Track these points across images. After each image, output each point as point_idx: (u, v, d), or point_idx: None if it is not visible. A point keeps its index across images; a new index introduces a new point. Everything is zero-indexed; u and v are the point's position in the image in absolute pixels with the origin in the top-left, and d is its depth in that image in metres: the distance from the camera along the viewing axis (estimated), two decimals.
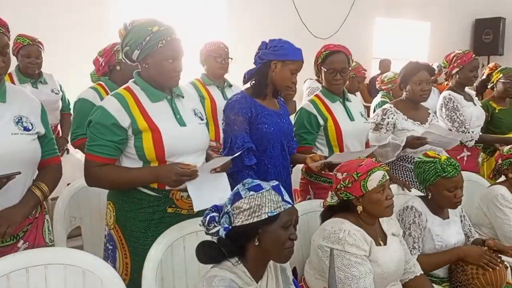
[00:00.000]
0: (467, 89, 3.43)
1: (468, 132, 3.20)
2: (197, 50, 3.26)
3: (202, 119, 1.93)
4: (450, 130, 3.16)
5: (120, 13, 5.22)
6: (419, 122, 2.81)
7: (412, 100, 2.83)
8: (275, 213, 1.40)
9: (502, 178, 2.71)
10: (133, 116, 1.75)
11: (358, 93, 5.31)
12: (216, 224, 1.42)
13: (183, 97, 1.91)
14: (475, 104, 3.34)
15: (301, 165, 2.60)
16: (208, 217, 1.43)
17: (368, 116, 3.26)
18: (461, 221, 2.36)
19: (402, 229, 2.10)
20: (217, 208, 1.48)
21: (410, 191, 2.54)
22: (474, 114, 3.28)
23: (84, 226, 2.39)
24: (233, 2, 6.18)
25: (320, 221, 1.97)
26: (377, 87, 4.85)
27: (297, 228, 1.50)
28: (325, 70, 2.50)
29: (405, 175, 2.81)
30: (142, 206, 1.83)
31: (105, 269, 1.62)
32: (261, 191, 1.42)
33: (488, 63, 7.77)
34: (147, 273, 1.69)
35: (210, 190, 1.77)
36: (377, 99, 4.62)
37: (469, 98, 3.33)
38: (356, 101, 2.72)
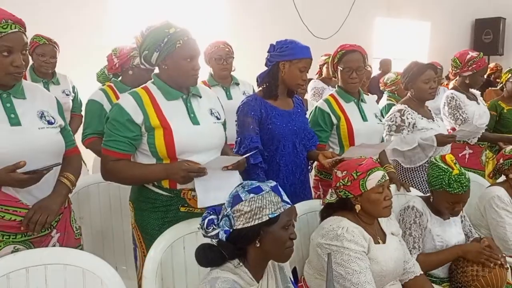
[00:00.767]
0: (471, 89, 3.45)
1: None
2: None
3: (218, 119, 1.96)
4: (455, 130, 3.20)
5: (119, 13, 5.22)
6: (431, 119, 2.85)
7: (420, 98, 2.84)
8: (275, 215, 1.40)
9: (503, 178, 2.71)
10: (147, 112, 1.80)
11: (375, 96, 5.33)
12: (215, 227, 1.42)
13: (200, 97, 1.94)
14: (478, 103, 3.37)
15: (316, 163, 2.63)
16: (206, 220, 1.43)
17: None
18: (462, 221, 2.36)
19: (402, 229, 2.11)
20: (215, 211, 1.48)
21: (409, 191, 2.54)
22: (477, 113, 3.30)
23: (84, 226, 2.38)
24: (233, 3, 6.18)
25: (319, 219, 1.97)
26: (380, 88, 4.85)
27: (297, 228, 1.50)
28: (341, 69, 2.54)
29: (408, 176, 2.83)
30: (155, 205, 1.87)
31: (105, 269, 1.63)
32: (261, 193, 1.42)
33: (488, 63, 7.79)
34: (147, 273, 1.70)
35: (218, 188, 1.78)
36: (384, 100, 4.62)
37: (472, 97, 3.36)
38: (371, 102, 2.74)
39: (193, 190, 1.83)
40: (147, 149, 1.83)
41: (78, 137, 2.70)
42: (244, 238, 1.41)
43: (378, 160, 2.64)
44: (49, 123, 1.71)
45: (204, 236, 1.44)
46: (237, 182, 1.82)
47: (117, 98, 2.60)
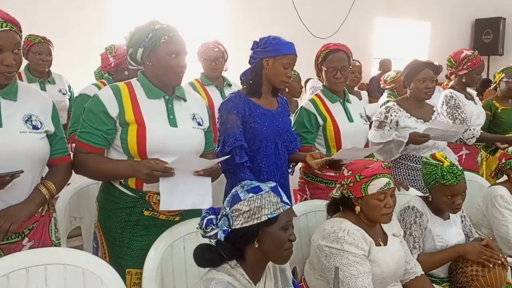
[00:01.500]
0: (468, 89, 3.44)
1: (469, 130, 3.21)
2: (196, 51, 3.27)
3: (200, 125, 1.91)
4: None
5: (119, 13, 5.22)
6: (422, 120, 2.81)
7: (416, 97, 2.83)
8: (275, 215, 1.40)
9: (504, 177, 2.71)
10: (123, 106, 1.77)
11: (365, 92, 5.33)
12: (214, 227, 1.41)
13: (185, 100, 1.90)
14: (475, 103, 3.36)
15: (301, 165, 2.60)
16: (205, 220, 1.42)
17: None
18: (462, 221, 2.35)
19: (402, 229, 2.10)
20: (214, 211, 1.47)
21: (407, 190, 2.53)
22: (474, 113, 3.29)
23: (84, 226, 2.38)
24: (233, 3, 6.18)
25: (326, 212, 1.97)
26: (381, 86, 4.87)
27: (297, 228, 1.50)
28: (326, 68, 2.51)
29: (407, 174, 2.81)
30: (119, 206, 1.83)
31: (105, 269, 1.62)
32: (260, 193, 1.41)
33: (488, 63, 7.78)
34: (147, 273, 1.69)
35: (185, 192, 1.73)
36: (383, 98, 4.63)
37: (469, 97, 3.35)
38: (356, 103, 2.71)
39: (159, 194, 1.76)
40: (119, 144, 1.79)
41: None
42: (242, 238, 1.41)
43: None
44: (34, 127, 1.64)
45: (203, 236, 1.43)
46: (209, 189, 1.78)
47: None
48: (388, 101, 4.28)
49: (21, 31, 1.60)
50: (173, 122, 1.82)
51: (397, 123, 2.77)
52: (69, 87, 3.72)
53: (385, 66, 6.90)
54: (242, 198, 1.41)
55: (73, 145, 2.10)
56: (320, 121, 2.50)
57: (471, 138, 3.26)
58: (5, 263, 1.51)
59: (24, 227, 1.65)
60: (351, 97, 2.68)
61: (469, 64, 3.24)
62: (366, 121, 2.68)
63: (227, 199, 1.46)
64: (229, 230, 1.40)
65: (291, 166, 2.46)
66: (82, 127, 1.79)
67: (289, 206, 1.45)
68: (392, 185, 1.85)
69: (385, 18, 8.19)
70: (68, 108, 3.64)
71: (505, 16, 7.78)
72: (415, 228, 2.15)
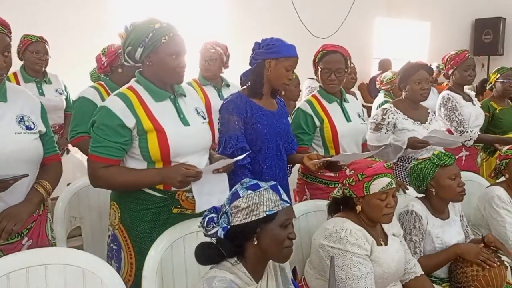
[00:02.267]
0: (466, 90, 3.44)
1: (467, 132, 3.20)
2: (196, 50, 3.27)
3: (204, 118, 1.94)
4: (450, 131, 3.17)
5: (119, 13, 5.22)
6: (419, 122, 2.81)
7: (412, 99, 2.83)
8: (273, 212, 1.40)
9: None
10: (138, 116, 1.75)
11: (358, 93, 5.33)
12: (215, 225, 1.42)
13: (185, 96, 1.91)
14: (474, 104, 3.35)
15: (299, 166, 2.60)
16: (207, 219, 1.44)
17: (369, 116, 3.26)
18: (461, 220, 2.36)
19: (402, 231, 2.10)
20: (215, 210, 1.48)
21: (407, 189, 2.53)
22: (473, 114, 3.28)
23: (84, 226, 2.39)
24: (233, 3, 6.18)
25: (326, 212, 1.97)
26: (377, 87, 4.86)
27: (297, 228, 1.50)
28: (321, 69, 2.51)
29: (405, 175, 2.81)
30: (147, 207, 1.82)
31: (105, 269, 1.62)
32: (259, 190, 1.42)
33: (488, 63, 7.79)
34: (147, 273, 1.69)
35: (211, 191, 1.77)
36: (379, 99, 4.63)
37: (468, 98, 3.34)
38: (353, 102, 2.71)
39: (188, 191, 1.80)
40: (138, 153, 1.77)
41: None
42: (241, 235, 1.42)
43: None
44: (28, 128, 1.65)
45: (205, 235, 1.44)
46: (227, 186, 1.82)
47: None
48: (384, 102, 4.29)
49: (10, 33, 1.60)
50: (185, 121, 1.83)
51: (395, 125, 2.77)
52: (65, 87, 3.71)
53: (385, 66, 6.90)
54: (241, 195, 1.42)
55: (70, 147, 2.09)
56: (317, 122, 2.50)
57: (469, 140, 3.24)
58: (5, 263, 1.51)
59: (23, 227, 1.66)
60: (349, 96, 2.68)
61: (452, 62, 3.27)
62: (364, 121, 2.68)
63: (227, 197, 1.47)
64: (229, 227, 1.41)
65: (288, 168, 2.46)
66: (97, 141, 1.74)
67: (288, 204, 1.46)
68: (394, 185, 1.85)
69: (385, 18, 8.18)
70: (64, 108, 3.63)
71: (505, 16, 7.78)
72: (415, 233, 2.15)
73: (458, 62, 3.25)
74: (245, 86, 2.30)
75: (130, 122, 1.73)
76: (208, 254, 1.44)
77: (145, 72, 1.83)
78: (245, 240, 1.43)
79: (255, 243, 1.42)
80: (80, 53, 4.24)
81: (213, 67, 3.22)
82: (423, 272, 2.03)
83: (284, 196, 1.46)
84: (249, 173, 2.17)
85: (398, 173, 2.83)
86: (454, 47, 3.56)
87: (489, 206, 2.55)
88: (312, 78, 4.73)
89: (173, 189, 1.81)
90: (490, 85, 3.71)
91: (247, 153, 2.00)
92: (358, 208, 1.86)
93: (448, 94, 3.28)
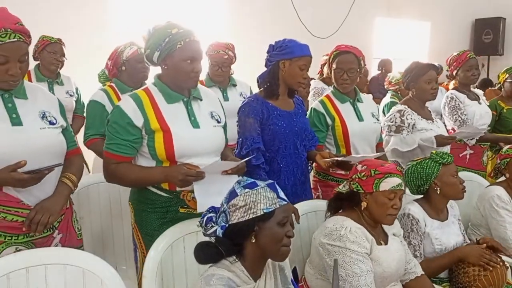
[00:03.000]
0: (474, 89, 3.46)
1: None
2: None
3: (219, 122, 1.96)
4: (454, 130, 3.23)
5: (119, 13, 5.22)
6: (430, 120, 2.85)
7: (422, 99, 2.85)
8: (270, 210, 1.41)
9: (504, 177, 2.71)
10: (147, 115, 1.80)
11: (369, 96, 5.33)
12: (213, 224, 1.43)
13: (201, 100, 1.94)
14: (480, 103, 3.36)
15: (314, 164, 2.62)
16: (205, 218, 1.45)
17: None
18: (458, 224, 2.35)
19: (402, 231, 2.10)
20: (214, 209, 1.49)
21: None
22: (477, 113, 3.30)
23: (84, 226, 2.38)
24: (233, 3, 6.18)
25: (326, 209, 1.97)
26: (385, 87, 4.87)
27: (297, 228, 1.50)
28: (334, 69, 2.57)
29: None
30: (155, 206, 1.88)
31: (105, 269, 1.62)
32: (256, 188, 1.43)
33: (488, 63, 7.79)
34: (147, 273, 1.70)
35: (218, 192, 1.74)
36: (387, 99, 4.63)
37: (473, 97, 3.35)
38: (368, 102, 2.75)
39: (193, 191, 1.83)
40: (147, 151, 1.83)
41: (79, 138, 2.70)
42: (239, 233, 1.42)
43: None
44: (51, 123, 1.71)
45: (204, 234, 1.45)
46: None
47: (119, 98, 2.61)
48: (391, 103, 4.29)
49: (29, 37, 1.62)
50: (195, 124, 1.86)
51: (414, 126, 2.77)
52: (76, 89, 3.78)
53: (385, 66, 6.91)
54: (238, 193, 1.43)
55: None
56: (329, 121, 2.55)
57: (471, 139, 3.26)
58: (5, 263, 1.51)
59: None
60: (363, 96, 2.72)
61: (455, 63, 3.32)
62: (378, 120, 2.71)
63: (225, 196, 1.48)
64: (227, 225, 1.42)
65: (309, 164, 2.51)
66: (110, 139, 1.82)
67: (286, 202, 1.46)
68: (402, 187, 1.86)
69: (385, 18, 8.19)
70: (74, 110, 3.69)
71: (505, 16, 7.78)
72: (413, 236, 2.16)
73: (460, 63, 3.28)
74: (261, 88, 2.36)
75: (138, 121, 1.79)
76: (207, 253, 1.45)
77: (162, 76, 1.89)
78: (243, 239, 1.44)
79: (253, 241, 1.43)
80: (80, 53, 4.25)
81: (225, 72, 3.24)
82: (423, 272, 2.03)
83: (282, 194, 1.47)
84: (264, 173, 2.22)
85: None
86: (454, 47, 3.58)
87: (489, 206, 2.55)
88: (315, 79, 4.72)
89: (178, 189, 1.85)
90: (499, 85, 3.74)
91: (253, 155, 2.07)
92: (364, 204, 1.86)
93: (452, 94, 3.31)
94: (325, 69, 4.53)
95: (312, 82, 5.05)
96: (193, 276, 1.77)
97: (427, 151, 2.72)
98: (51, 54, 3.50)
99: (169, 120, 1.82)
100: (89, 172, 3.36)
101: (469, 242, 2.36)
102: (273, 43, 2.31)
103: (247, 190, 1.43)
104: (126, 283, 1.67)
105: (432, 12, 8.09)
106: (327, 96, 2.64)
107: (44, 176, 1.61)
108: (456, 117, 3.23)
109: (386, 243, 1.91)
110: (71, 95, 3.66)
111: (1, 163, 1.55)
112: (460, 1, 7.96)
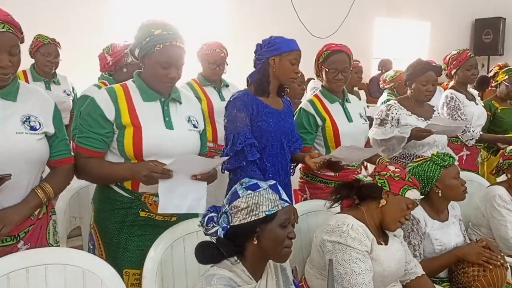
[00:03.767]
0: (470, 89, 3.44)
1: (469, 131, 3.21)
2: (196, 50, 3.26)
3: (195, 127, 1.91)
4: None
5: (119, 13, 5.22)
6: (423, 118, 2.82)
7: (417, 99, 2.84)
8: (272, 212, 1.41)
9: (504, 176, 2.71)
10: (119, 109, 1.76)
11: (363, 92, 5.33)
12: (214, 225, 1.42)
13: (180, 102, 1.89)
14: (476, 104, 3.35)
15: (301, 165, 2.60)
16: (206, 218, 1.44)
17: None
18: (459, 224, 2.35)
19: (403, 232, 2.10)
20: (215, 209, 1.48)
21: None
22: (475, 113, 3.28)
23: (84, 226, 2.38)
24: (233, 3, 6.18)
25: (326, 212, 1.98)
26: (380, 86, 4.86)
27: (297, 228, 1.50)
28: (327, 69, 2.51)
29: None
30: (115, 206, 1.83)
31: (105, 269, 1.62)
32: (258, 190, 1.43)
33: (488, 63, 7.78)
34: (147, 273, 1.69)
35: (184, 195, 1.72)
36: (383, 97, 4.63)
37: (471, 98, 3.34)
38: (355, 102, 2.72)
39: (155, 195, 1.76)
40: (116, 147, 1.78)
41: None
42: (241, 235, 1.42)
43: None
44: (32, 128, 1.60)
45: (205, 234, 1.45)
46: (204, 194, 1.77)
47: None
48: (387, 101, 4.28)
49: (21, 32, 1.59)
50: (169, 125, 1.81)
51: (398, 120, 2.78)
52: (73, 88, 3.76)
53: (385, 66, 6.90)
54: (240, 195, 1.42)
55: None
56: (319, 122, 2.50)
57: (471, 139, 3.25)
58: (5, 263, 1.51)
59: (19, 230, 1.62)
60: (351, 96, 2.69)
61: (454, 62, 3.27)
62: (366, 121, 2.68)
63: (227, 196, 1.48)
64: (228, 227, 1.41)
65: (292, 167, 2.46)
66: (81, 132, 1.77)
67: (288, 204, 1.46)
68: (418, 204, 1.91)
69: (385, 18, 8.19)
70: (71, 109, 3.66)
71: (505, 16, 7.78)
72: (414, 236, 2.16)
73: (460, 62, 3.25)
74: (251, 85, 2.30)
75: (110, 113, 1.74)
76: (208, 253, 1.45)
77: (141, 73, 1.86)
78: (244, 240, 1.43)
79: (255, 242, 1.42)
80: (80, 53, 4.25)
81: (222, 70, 3.24)
82: (424, 273, 2.02)
83: (284, 196, 1.47)
84: (257, 169, 2.16)
85: None
86: (454, 47, 3.56)
87: (490, 206, 2.55)
88: (314, 79, 4.72)
89: (140, 190, 1.80)
90: (496, 83, 3.71)
91: (226, 158, 2.03)
92: (383, 202, 1.86)
93: (451, 94, 3.27)
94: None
95: (311, 82, 5.05)
96: (193, 276, 1.77)
97: (400, 141, 2.73)
98: (44, 56, 3.43)
99: (142, 117, 1.76)
100: None
101: (469, 242, 2.36)
102: (260, 42, 2.26)
103: (249, 192, 1.42)
104: None
105: (432, 12, 8.09)
106: (316, 96, 2.59)
107: None
108: (456, 117, 3.20)
109: (386, 244, 1.91)
110: (68, 94, 3.64)
111: None
112: (460, 1, 7.96)
